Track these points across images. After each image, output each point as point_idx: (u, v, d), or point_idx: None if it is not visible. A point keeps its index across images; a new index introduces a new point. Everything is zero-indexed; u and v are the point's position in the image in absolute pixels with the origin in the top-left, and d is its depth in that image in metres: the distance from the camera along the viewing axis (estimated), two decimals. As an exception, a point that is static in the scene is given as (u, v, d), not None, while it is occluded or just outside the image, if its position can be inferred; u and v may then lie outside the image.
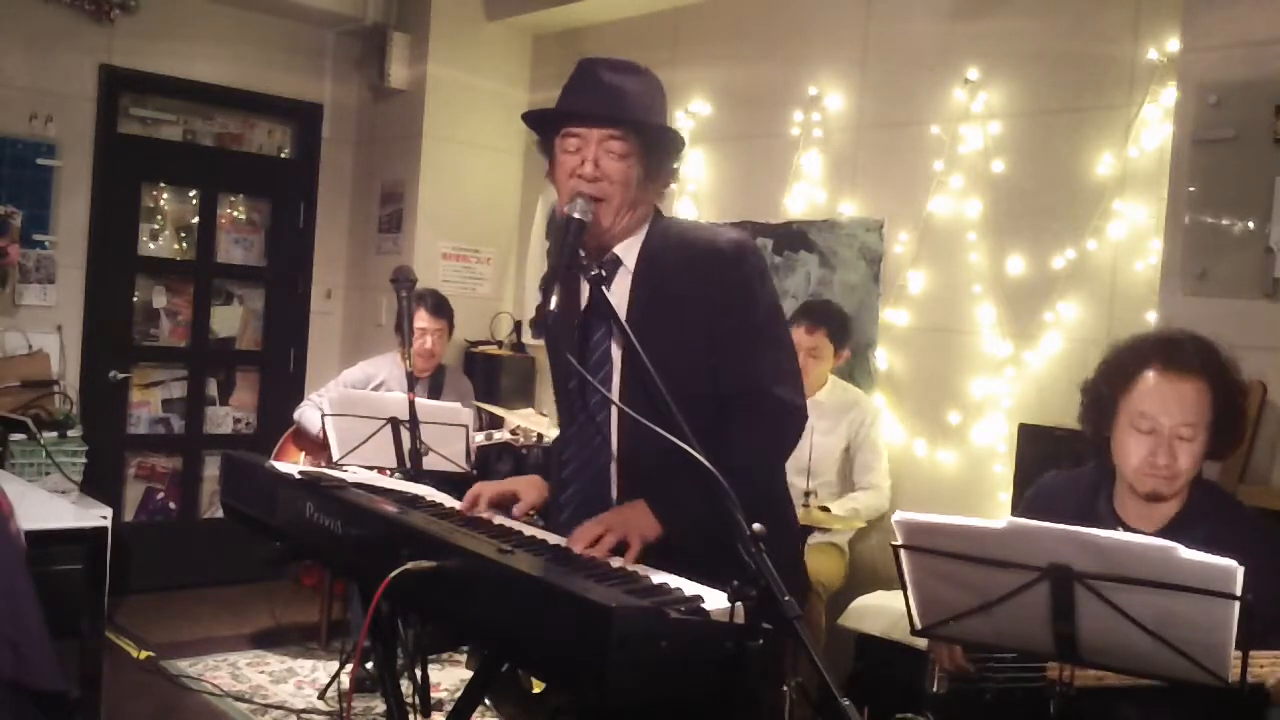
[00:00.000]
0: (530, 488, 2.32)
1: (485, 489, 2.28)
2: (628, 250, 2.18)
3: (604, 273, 2.10)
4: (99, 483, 4.92)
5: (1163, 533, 2.19)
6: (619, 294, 2.16)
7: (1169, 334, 2.30)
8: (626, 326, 1.93)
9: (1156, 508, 2.24)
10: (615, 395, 2.14)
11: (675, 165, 2.20)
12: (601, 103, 2.13)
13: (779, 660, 1.58)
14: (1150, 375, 2.20)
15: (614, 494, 2.24)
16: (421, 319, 4.50)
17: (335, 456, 3.91)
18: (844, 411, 4.11)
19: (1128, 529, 2.24)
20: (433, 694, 3.86)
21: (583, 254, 2.02)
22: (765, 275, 2.17)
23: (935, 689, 2.44)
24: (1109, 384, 2.27)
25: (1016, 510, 2.49)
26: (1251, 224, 3.06)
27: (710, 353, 2.08)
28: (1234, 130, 3.08)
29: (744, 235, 2.19)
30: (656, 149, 2.16)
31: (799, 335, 4.02)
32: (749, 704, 1.60)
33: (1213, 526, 2.15)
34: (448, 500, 2.36)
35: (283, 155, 6.16)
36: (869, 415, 4.14)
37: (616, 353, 2.16)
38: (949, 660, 2.37)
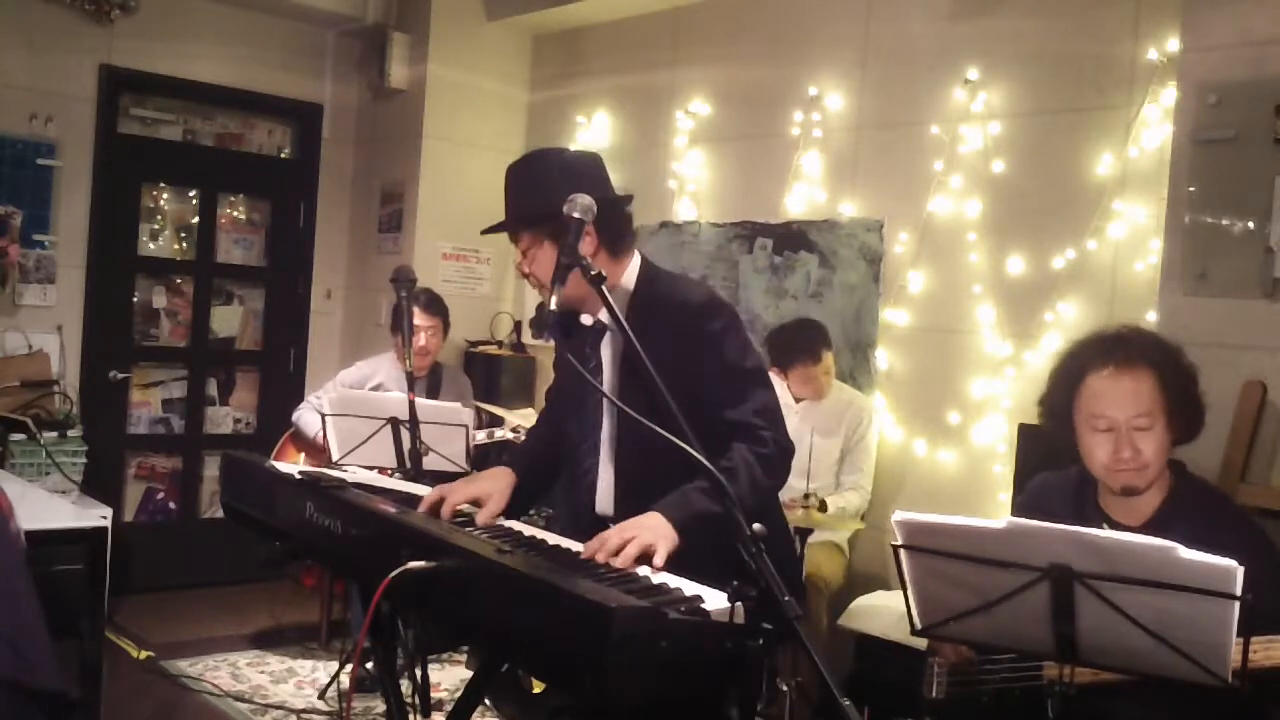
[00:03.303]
0: (495, 485, 2.34)
1: (451, 495, 2.28)
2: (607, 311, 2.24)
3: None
4: (99, 483, 4.91)
5: (1149, 525, 2.22)
6: (607, 355, 2.32)
7: (1108, 332, 2.34)
8: (628, 327, 1.93)
9: (1140, 501, 2.26)
10: (613, 425, 2.30)
11: (584, 226, 2.02)
12: (506, 217, 2.37)
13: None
14: (1096, 376, 2.24)
15: (604, 504, 2.29)
16: (415, 317, 4.49)
17: (335, 457, 3.91)
18: (842, 412, 4.13)
19: (1114, 524, 2.26)
20: (433, 694, 3.86)
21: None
22: (734, 327, 2.29)
23: (934, 693, 2.43)
24: (1061, 393, 2.32)
25: (1013, 512, 2.49)
26: (1251, 224, 3.06)
27: (695, 402, 2.04)
28: (1234, 130, 3.08)
29: (713, 293, 2.36)
30: (544, 222, 2.24)
31: (808, 370, 4.04)
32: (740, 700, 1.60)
33: (1198, 518, 2.17)
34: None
35: (283, 155, 6.16)
36: (865, 415, 4.16)
37: (612, 373, 2.31)
38: (953, 652, 2.37)
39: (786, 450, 2.24)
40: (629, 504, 2.21)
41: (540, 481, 2.50)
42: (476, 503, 2.31)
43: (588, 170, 2.33)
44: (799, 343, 4.11)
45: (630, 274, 2.34)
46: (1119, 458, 2.20)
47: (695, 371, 2.16)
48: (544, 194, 2.24)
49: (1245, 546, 1.83)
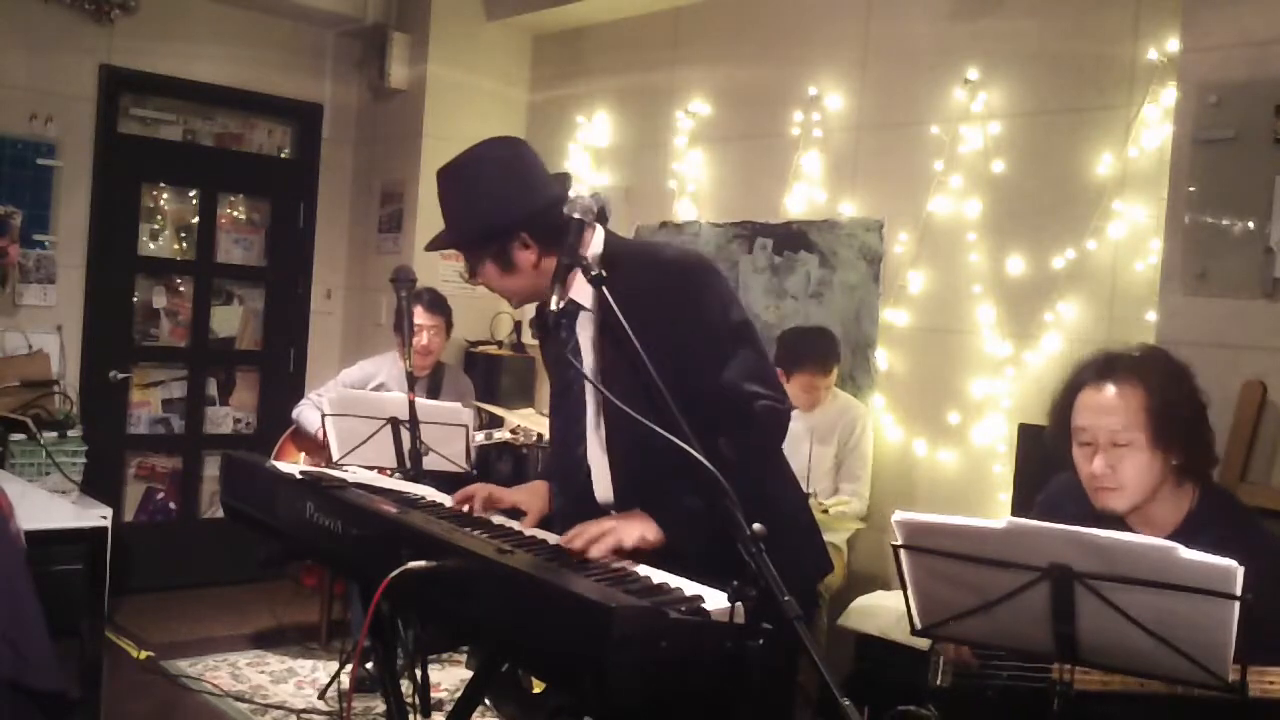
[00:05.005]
0: (534, 498, 2.30)
1: (489, 495, 2.25)
2: (582, 292, 2.18)
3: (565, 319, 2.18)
4: (99, 483, 4.91)
5: (1168, 539, 2.18)
6: (584, 335, 2.20)
7: (1110, 349, 2.31)
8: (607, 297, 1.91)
9: (1160, 514, 2.21)
10: (598, 410, 2.20)
11: (519, 234, 2.14)
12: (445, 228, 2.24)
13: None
14: (1087, 390, 2.22)
15: (603, 492, 2.25)
16: (418, 316, 4.48)
17: (335, 456, 3.91)
18: (839, 417, 4.13)
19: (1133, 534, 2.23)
20: (433, 694, 3.86)
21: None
22: (714, 281, 2.19)
23: (939, 682, 2.44)
24: (1060, 406, 2.30)
25: (1028, 512, 2.48)
26: (1251, 224, 3.06)
27: (680, 369, 2.02)
28: (1234, 130, 3.08)
29: (686, 248, 2.22)
30: (481, 243, 2.17)
31: (815, 379, 4.00)
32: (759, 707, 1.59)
33: (1220, 534, 2.13)
34: (448, 500, 2.36)
35: (283, 155, 6.16)
36: (860, 421, 4.15)
37: (592, 353, 2.20)
38: (954, 652, 2.36)
39: (782, 411, 2.15)
40: (629, 488, 2.18)
41: None
42: (515, 509, 2.27)
43: (512, 179, 2.17)
44: (812, 350, 4.03)
45: (594, 249, 2.19)
46: (1092, 473, 2.17)
47: (676, 336, 2.06)
48: (472, 214, 2.16)
49: (1272, 570, 1.82)
